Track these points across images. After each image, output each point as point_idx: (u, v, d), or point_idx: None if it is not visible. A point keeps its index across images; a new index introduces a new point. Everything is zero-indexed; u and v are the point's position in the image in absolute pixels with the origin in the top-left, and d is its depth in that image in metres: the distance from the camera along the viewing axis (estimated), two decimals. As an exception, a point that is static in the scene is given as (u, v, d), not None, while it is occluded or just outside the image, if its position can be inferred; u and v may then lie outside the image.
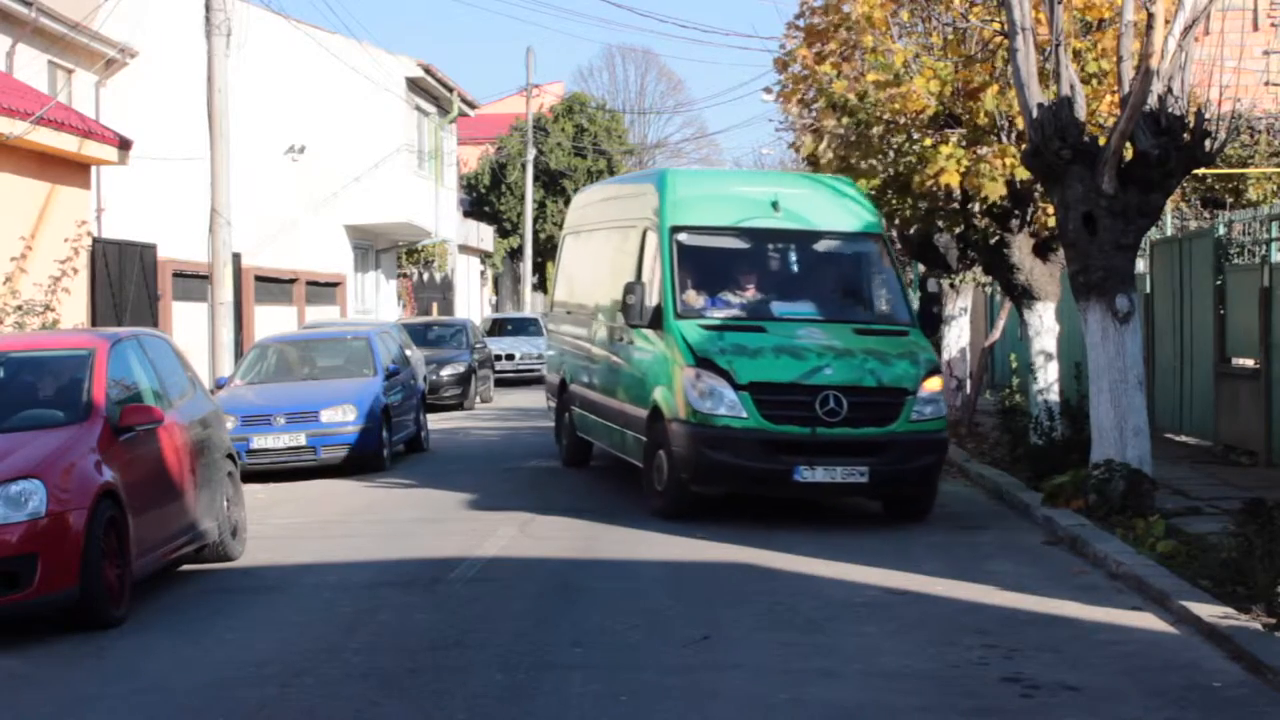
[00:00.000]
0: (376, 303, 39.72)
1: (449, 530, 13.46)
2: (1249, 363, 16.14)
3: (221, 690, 8.06)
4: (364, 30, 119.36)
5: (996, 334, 22.89)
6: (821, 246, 14.82)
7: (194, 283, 24.96)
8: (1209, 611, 9.04)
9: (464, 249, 48.28)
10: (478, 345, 31.09)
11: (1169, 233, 19.67)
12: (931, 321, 14.64)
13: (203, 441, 11.73)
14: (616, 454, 15.83)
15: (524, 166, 54.52)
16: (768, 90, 24.69)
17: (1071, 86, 12.95)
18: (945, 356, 22.64)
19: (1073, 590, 10.29)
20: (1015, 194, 16.18)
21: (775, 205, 14.59)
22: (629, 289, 14.19)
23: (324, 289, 34.67)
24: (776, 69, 18.32)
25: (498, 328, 39.87)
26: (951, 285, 22.23)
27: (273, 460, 17.88)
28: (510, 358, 36.75)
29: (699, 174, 18.59)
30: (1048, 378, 16.69)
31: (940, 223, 17.35)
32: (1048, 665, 8.29)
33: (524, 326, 39.81)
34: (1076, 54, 15.02)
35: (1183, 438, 17.95)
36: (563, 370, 18.09)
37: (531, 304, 56.28)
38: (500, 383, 34.40)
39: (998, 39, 15.29)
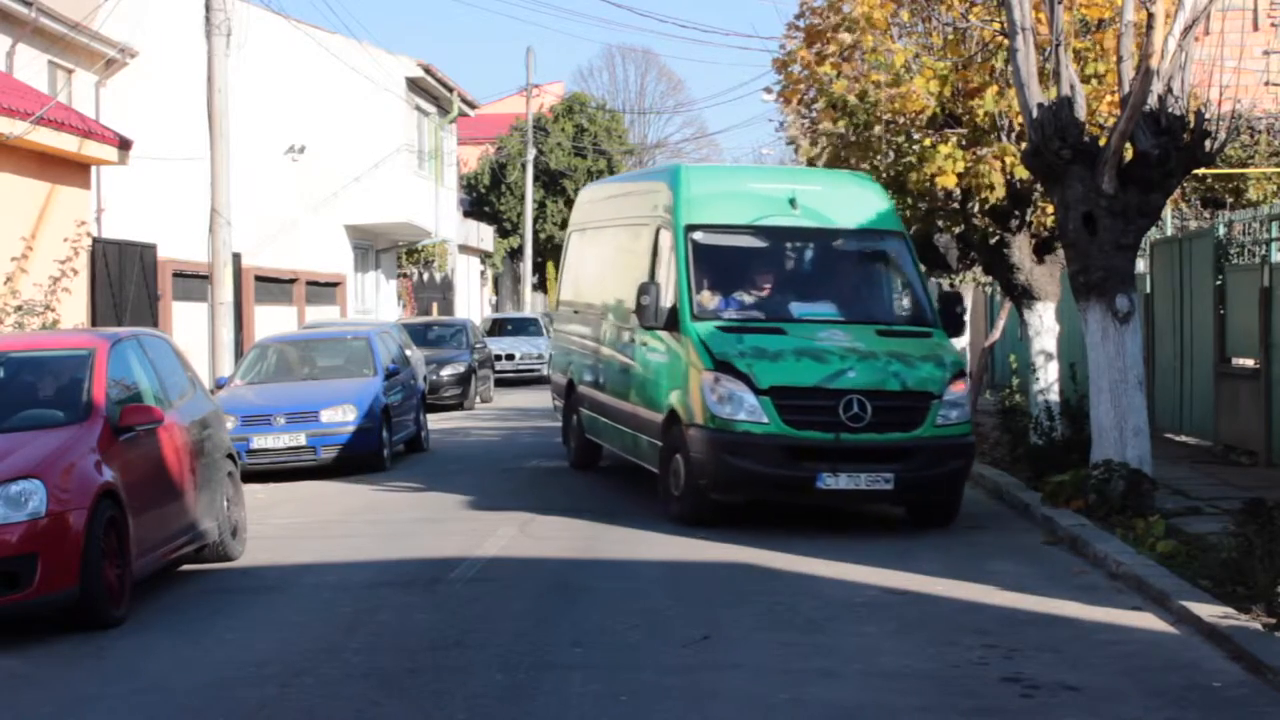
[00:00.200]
0: (376, 303, 39.72)
1: (449, 530, 13.46)
2: (1249, 363, 16.14)
3: (221, 690, 8.06)
4: (364, 30, 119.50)
5: (996, 334, 22.89)
6: (841, 245, 14.39)
7: (194, 283, 24.96)
8: (1209, 611, 9.04)
9: (464, 249, 48.28)
10: (478, 345, 31.10)
11: (1169, 233, 19.68)
12: (955, 322, 14.12)
13: (203, 441, 11.73)
14: (628, 458, 15.49)
15: (524, 166, 54.52)
16: (768, 90, 24.70)
17: (1071, 86, 12.95)
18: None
19: (1073, 590, 10.29)
20: (1015, 194, 16.18)
21: (793, 202, 14.20)
22: (643, 289, 13.80)
23: (324, 289, 34.68)
24: (776, 69, 18.31)
25: (498, 328, 39.89)
26: (951, 285, 22.22)
27: (273, 460, 17.88)
28: (510, 358, 36.78)
29: (714, 170, 17.94)
30: (1048, 378, 16.70)
31: (940, 223, 17.34)
32: (1048, 665, 8.29)
33: (524, 326, 39.85)
34: (1076, 54, 15.03)
35: (1183, 438, 17.95)
36: (570, 371, 17.72)
37: (531, 304, 56.28)
38: (500, 383, 34.42)
39: (998, 39, 15.29)
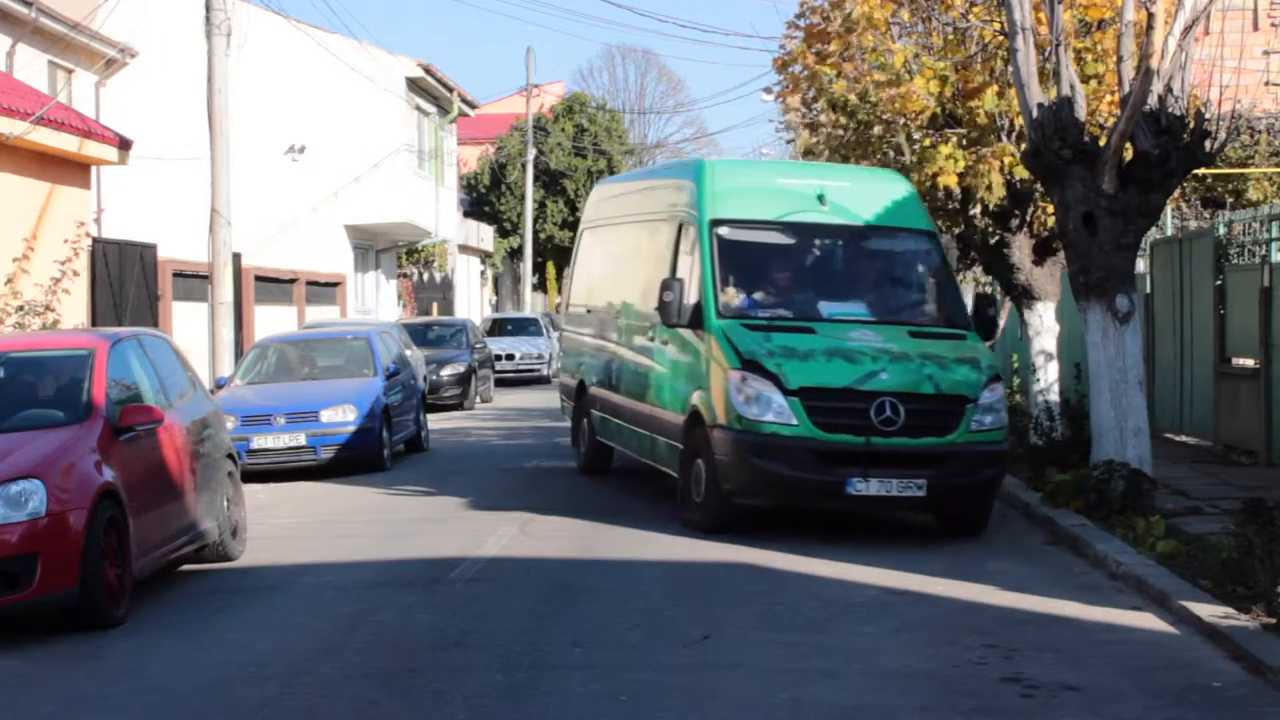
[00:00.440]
0: (376, 303, 39.72)
1: (449, 530, 13.45)
2: (1249, 363, 16.14)
3: (221, 690, 8.06)
4: (364, 30, 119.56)
5: (996, 334, 22.88)
6: (872, 243, 13.95)
7: (194, 283, 24.96)
8: (1209, 611, 9.04)
9: (464, 249, 48.28)
10: (478, 345, 31.10)
11: (1169, 233, 19.69)
12: (988, 325, 13.64)
13: (203, 441, 11.73)
14: (645, 461, 15.04)
15: (524, 166, 54.51)
16: (768, 90, 24.75)
17: (1071, 86, 12.96)
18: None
19: (1073, 590, 10.29)
20: (1015, 194, 16.19)
21: (821, 199, 13.70)
22: (666, 286, 13.24)
23: (324, 289, 34.67)
24: (776, 69, 18.32)
25: (498, 328, 39.88)
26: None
27: (273, 460, 17.89)
28: (510, 358, 36.79)
29: (740, 164, 17.22)
30: (1048, 378, 16.71)
31: (940, 223, 17.34)
32: (1048, 665, 8.29)
33: (524, 326, 39.85)
34: (1077, 54, 15.03)
35: (1183, 438, 17.95)
36: (581, 372, 17.10)
37: (531, 304, 56.26)
38: (500, 383, 34.42)
39: (998, 39, 15.30)
